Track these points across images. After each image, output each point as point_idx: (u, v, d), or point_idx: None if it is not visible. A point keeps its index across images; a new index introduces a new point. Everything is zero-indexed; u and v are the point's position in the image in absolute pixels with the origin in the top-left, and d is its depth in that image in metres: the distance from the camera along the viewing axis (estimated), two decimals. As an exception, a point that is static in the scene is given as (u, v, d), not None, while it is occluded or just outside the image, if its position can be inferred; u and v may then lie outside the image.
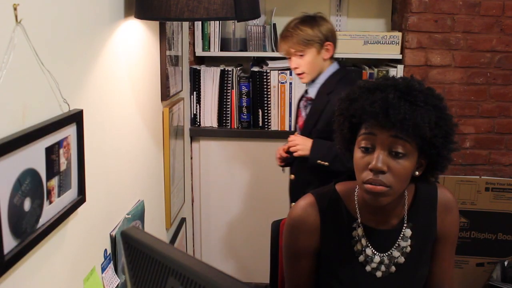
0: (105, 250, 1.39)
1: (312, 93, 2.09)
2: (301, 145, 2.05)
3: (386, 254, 1.31)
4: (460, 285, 2.85)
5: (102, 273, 1.35)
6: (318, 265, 1.38)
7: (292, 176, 2.20)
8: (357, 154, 1.22)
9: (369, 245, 1.31)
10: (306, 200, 1.37)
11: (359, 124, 1.23)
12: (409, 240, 1.32)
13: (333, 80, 2.06)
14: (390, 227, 1.32)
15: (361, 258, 1.31)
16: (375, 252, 1.31)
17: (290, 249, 1.38)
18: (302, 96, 2.20)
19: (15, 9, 0.88)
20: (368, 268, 1.31)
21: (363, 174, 1.20)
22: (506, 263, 2.77)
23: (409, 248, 1.32)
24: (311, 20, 2.05)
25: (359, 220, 1.31)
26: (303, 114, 2.15)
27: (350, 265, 1.32)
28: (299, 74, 2.07)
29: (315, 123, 2.06)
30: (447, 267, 1.39)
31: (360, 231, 1.31)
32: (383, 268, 1.31)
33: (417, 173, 1.24)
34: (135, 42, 1.62)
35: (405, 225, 1.32)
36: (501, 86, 2.76)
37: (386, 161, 1.16)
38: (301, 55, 2.03)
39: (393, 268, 1.32)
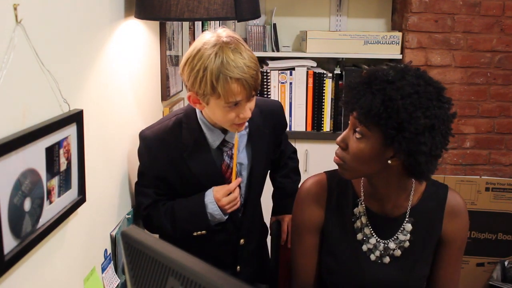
0: (105, 250, 1.39)
1: (233, 137, 1.51)
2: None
3: (383, 241, 1.34)
4: (460, 285, 2.85)
5: (102, 273, 1.35)
6: (321, 243, 1.42)
7: (242, 240, 1.61)
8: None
9: (368, 224, 1.35)
10: (318, 176, 1.45)
11: None
12: (409, 235, 1.33)
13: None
14: (391, 217, 1.34)
15: (359, 236, 1.36)
16: (373, 233, 1.35)
17: (296, 223, 1.44)
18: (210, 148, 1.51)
19: (15, 9, 0.88)
20: (364, 247, 1.35)
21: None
22: (506, 263, 2.78)
23: (407, 243, 1.33)
24: (244, 43, 1.45)
25: (362, 198, 1.36)
26: (239, 166, 1.56)
27: (348, 242, 1.36)
28: (242, 124, 1.46)
29: (265, 165, 1.64)
30: (453, 273, 1.39)
31: (361, 208, 1.36)
32: (377, 253, 1.34)
33: (389, 161, 1.22)
34: (135, 42, 1.62)
35: (407, 219, 1.33)
36: (501, 86, 2.76)
37: (345, 138, 1.27)
38: (253, 96, 1.45)
39: (387, 259, 1.34)
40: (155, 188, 1.53)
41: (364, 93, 1.20)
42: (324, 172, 1.45)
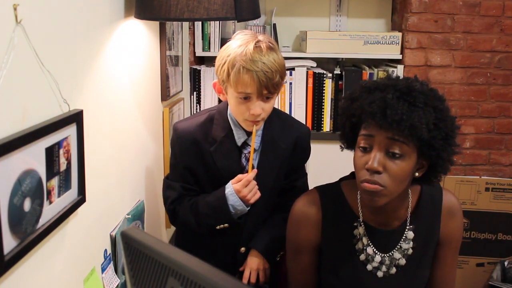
0: (105, 250, 1.39)
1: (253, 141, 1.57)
2: (256, 268, 1.58)
3: (387, 254, 1.31)
4: (460, 285, 2.85)
5: (102, 273, 1.35)
6: (319, 261, 1.38)
7: (243, 248, 1.64)
8: (357, 153, 1.23)
9: (370, 244, 1.31)
10: (309, 195, 1.39)
11: (360, 123, 1.23)
12: (411, 243, 1.31)
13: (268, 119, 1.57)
14: (392, 228, 1.32)
15: (362, 257, 1.32)
16: (376, 251, 1.31)
17: (291, 242, 1.39)
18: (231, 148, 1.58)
19: (15, 9, 0.88)
20: (369, 267, 1.32)
21: (360, 173, 1.21)
22: (506, 263, 2.77)
23: (411, 250, 1.32)
24: (277, 49, 1.51)
25: (360, 219, 1.32)
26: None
27: (351, 263, 1.33)
28: (257, 121, 1.51)
29: (275, 179, 1.62)
30: (449, 272, 1.39)
31: (361, 229, 1.31)
32: (384, 268, 1.31)
33: (417, 174, 1.23)
34: (135, 42, 1.62)
35: (407, 227, 1.31)
36: (501, 86, 2.76)
37: (382, 162, 1.17)
38: (270, 98, 1.51)
39: (393, 270, 1.32)
40: (183, 182, 1.60)
41: (409, 110, 1.13)
42: (315, 188, 1.40)
